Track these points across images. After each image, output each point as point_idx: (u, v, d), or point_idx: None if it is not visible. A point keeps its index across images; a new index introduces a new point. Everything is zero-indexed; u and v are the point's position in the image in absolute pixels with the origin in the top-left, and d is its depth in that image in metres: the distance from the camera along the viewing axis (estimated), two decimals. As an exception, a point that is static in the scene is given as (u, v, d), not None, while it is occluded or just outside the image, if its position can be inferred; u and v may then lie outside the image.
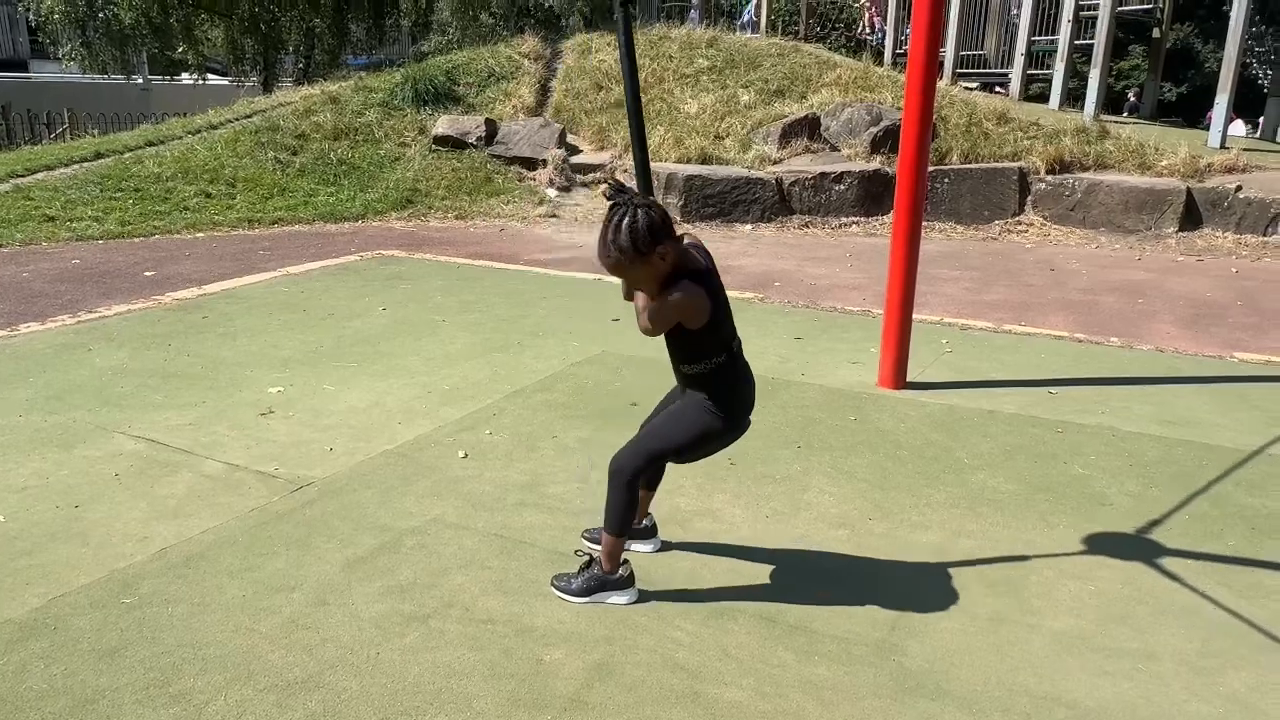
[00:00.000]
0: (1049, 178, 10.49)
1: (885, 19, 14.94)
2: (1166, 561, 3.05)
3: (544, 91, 13.69)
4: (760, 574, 2.93)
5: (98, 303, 6.29)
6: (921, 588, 2.87)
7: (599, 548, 2.77)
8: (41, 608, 2.66)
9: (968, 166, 10.73)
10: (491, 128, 12.19)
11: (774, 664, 2.47)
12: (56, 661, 2.42)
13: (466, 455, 3.82)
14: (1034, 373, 5.13)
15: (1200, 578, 2.95)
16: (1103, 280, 7.88)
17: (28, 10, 17.58)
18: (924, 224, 10.33)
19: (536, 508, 3.38)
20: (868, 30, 15.92)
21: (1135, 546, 3.16)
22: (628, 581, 2.75)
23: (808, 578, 2.92)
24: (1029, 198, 10.58)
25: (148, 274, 7.26)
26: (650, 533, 3.07)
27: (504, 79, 13.85)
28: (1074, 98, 13.02)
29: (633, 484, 2.64)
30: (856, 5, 16.81)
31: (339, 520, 3.24)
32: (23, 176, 9.93)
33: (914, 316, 4.95)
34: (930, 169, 10.76)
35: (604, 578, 2.73)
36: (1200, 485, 3.67)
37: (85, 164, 10.44)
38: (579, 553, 2.86)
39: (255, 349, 5.28)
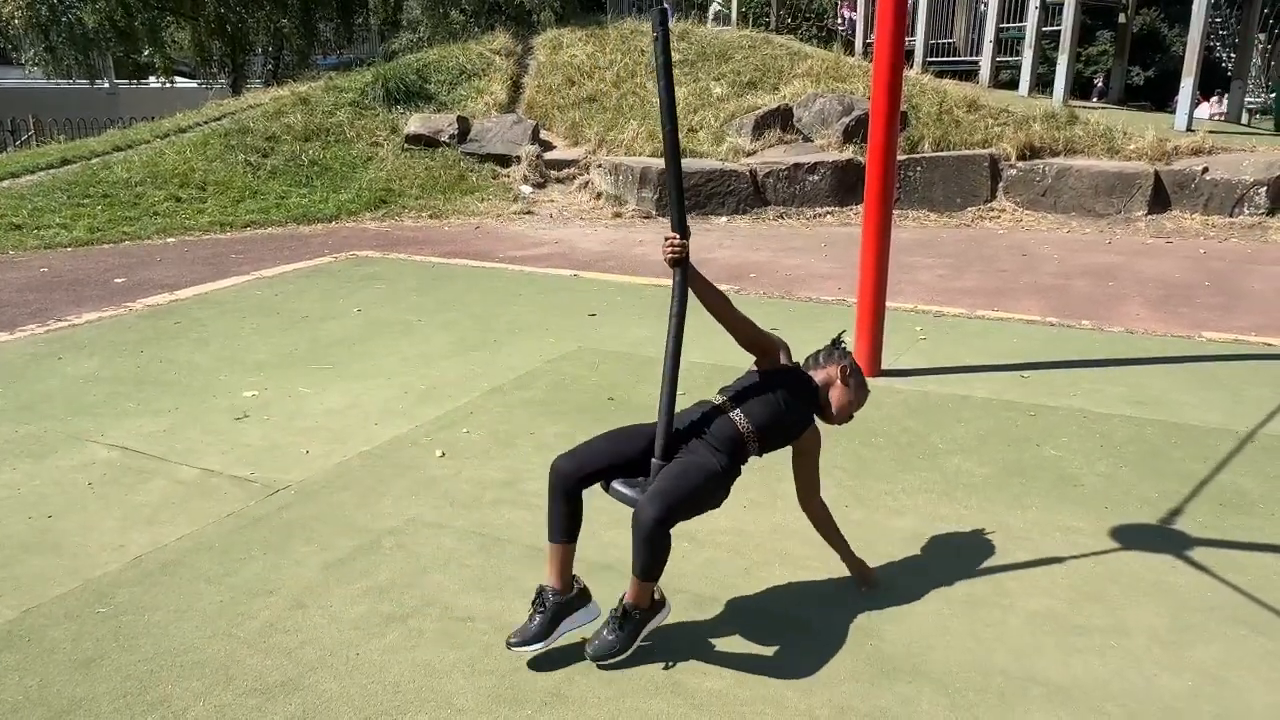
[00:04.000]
0: (1020, 164, 10.57)
1: (855, 9, 14.99)
2: (1137, 540, 3.10)
3: (516, 88, 13.64)
4: (738, 563, 2.95)
5: (67, 311, 6.22)
6: (898, 573, 2.90)
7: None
8: (15, 620, 2.64)
9: (939, 154, 10.80)
10: (464, 125, 12.13)
11: (753, 652, 2.49)
12: (31, 673, 2.40)
13: (444, 454, 3.82)
14: (1007, 357, 5.18)
15: (1171, 555, 3.00)
16: (1074, 264, 7.96)
17: (-12, 15, 17.34)
18: (897, 212, 10.49)
19: (514, 505, 3.39)
20: (839, 21, 15.97)
21: (1107, 526, 3.21)
22: (661, 604, 2.49)
23: (785, 566, 2.95)
24: (1000, 184, 10.67)
25: (118, 281, 7.19)
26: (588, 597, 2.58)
27: (475, 76, 13.80)
28: (1043, 84, 13.13)
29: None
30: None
31: (317, 523, 3.23)
32: (-12, 185, 9.79)
33: (888, 304, 4.99)
34: (902, 158, 10.81)
35: (647, 617, 2.45)
36: (1170, 464, 3.73)
37: (51, 171, 10.31)
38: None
39: (229, 353, 5.24)
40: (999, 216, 10.43)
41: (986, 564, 2.95)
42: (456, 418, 4.24)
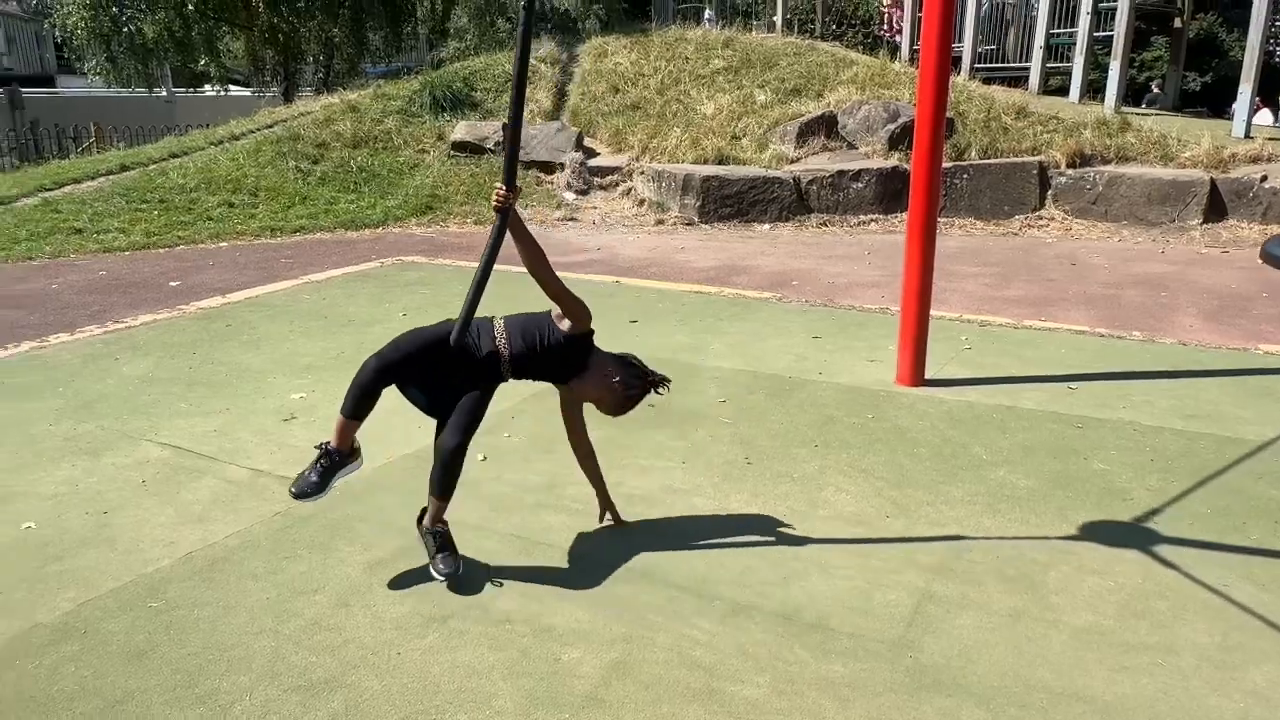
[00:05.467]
0: (1069, 171, 10.40)
1: (903, 15, 14.87)
2: (1187, 556, 3.03)
3: (561, 95, 13.76)
4: (776, 572, 2.95)
5: (124, 313, 6.40)
6: (938, 584, 2.87)
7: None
8: (72, 611, 2.72)
9: (987, 162, 10.67)
10: (509, 132, 12.23)
11: (790, 661, 2.48)
12: (87, 664, 2.47)
13: (485, 458, 3.86)
14: (1054, 368, 5.10)
15: (1222, 572, 2.93)
16: (1125, 274, 7.81)
17: (54, 27, 17.90)
18: (944, 220, 10.37)
19: (555, 509, 3.42)
20: (886, 28, 15.85)
21: (1156, 541, 3.14)
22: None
23: (824, 575, 2.93)
24: (1049, 192, 10.50)
25: (173, 284, 7.38)
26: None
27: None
28: (1094, 90, 12.89)
29: None
30: (874, 3, 16.75)
31: (360, 523, 3.28)
32: (51, 190, 10.11)
33: (932, 313, 4.94)
34: (949, 165, 10.70)
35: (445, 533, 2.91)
36: (1223, 479, 3.64)
37: (111, 177, 10.61)
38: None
39: (278, 356, 5.35)
40: (1048, 225, 10.27)
41: (1030, 577, 2.90)
42: (498, 422, 4.28)
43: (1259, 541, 3.13)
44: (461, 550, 3.08)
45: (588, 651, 2.52)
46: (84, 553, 3.08)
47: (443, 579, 2.83)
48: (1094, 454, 3.89)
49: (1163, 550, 3.08)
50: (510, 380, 2.95)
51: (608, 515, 3.25)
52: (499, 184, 2.76)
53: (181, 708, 2.30)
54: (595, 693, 2.36)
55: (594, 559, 3.05)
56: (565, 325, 2.91)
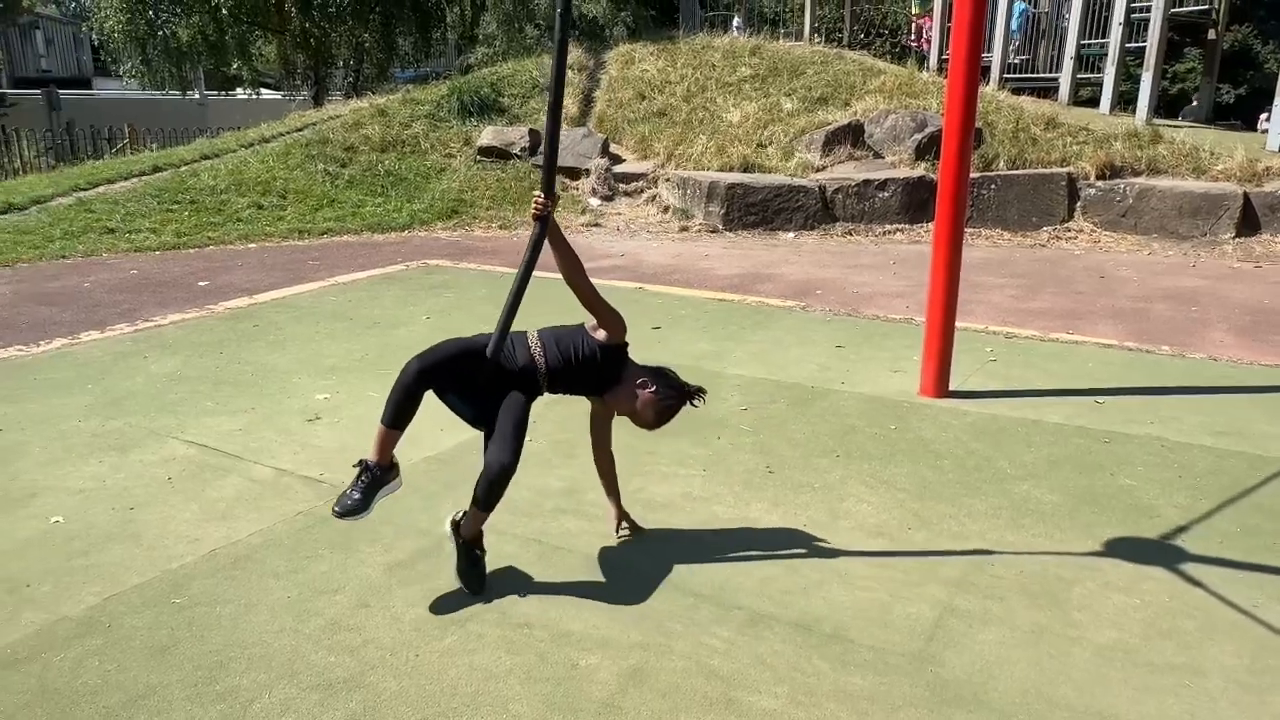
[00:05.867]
0: (1099, 183, 10.30)
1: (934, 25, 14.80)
2: (1215, 575, 2.98)
3: (588, 102, 13.80)
4: (796, 582, 2.93)
5: (154, 311, 6.48)
6: (960, 598, 2.84)
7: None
8: (97, 606, 2.76)
9: (1015, 172, 10.58)
10: (535, 138, 12.31)
11: (809, 673, 2.46)
12: (110, 658, 2.50)
13: (506, 462, 3.86)
14: (1080, 382, 5.04)
15: (1251, 592, 2.88)
16: (1155, 287, 7.71)
17: (91, 30, 18.21)
18: (970, 231, 10.30)
19: (574, 514, 3.42)
20: (914, 37, 15.78)
21: (1183, 559, 3.10)
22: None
23: (845, 586, 2.91)
24: (1078, 204, 10.40)
25: (202, 284, 7.47)
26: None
27: (548, 90, 13.97)
28: (1126, 102, 12.77)
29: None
30: (902, 12, 16.69)
31: (381, 525, 3.30)
32: (85, 190, 10.27)
33: (957, 324, 4.90)
34: (976, 175, 10.62)
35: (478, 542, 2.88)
36: (1254, 498, 3.58)
37: (144, 177, 10.77)
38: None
39: (303, 356, 5.40)
40: (1076, 237, 10.17)
41: (1053, 593, 2.87)
42: (520, 426, 4.29)
43: (1290, 562, 3.08)
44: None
45: (605, 658, 2.51)
46: (110, 548, 3.12)
47: (466, 589, 2.83)
48: (1120, 470, 3.84)
49: (1190, 569, 3.03)
50: (546, 394, 2.91)
51: (624, 525, 3.23)
52: (537, 192, 2.75)
53: (202, 704, 2.32)
54: (612, 700, 2.35)
55: (613, 565, 3.04)
56: (600, 336, 2.89)
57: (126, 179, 10.75)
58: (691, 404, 2.97)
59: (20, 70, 28.87)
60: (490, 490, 2.74)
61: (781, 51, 14.43)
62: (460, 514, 2.90)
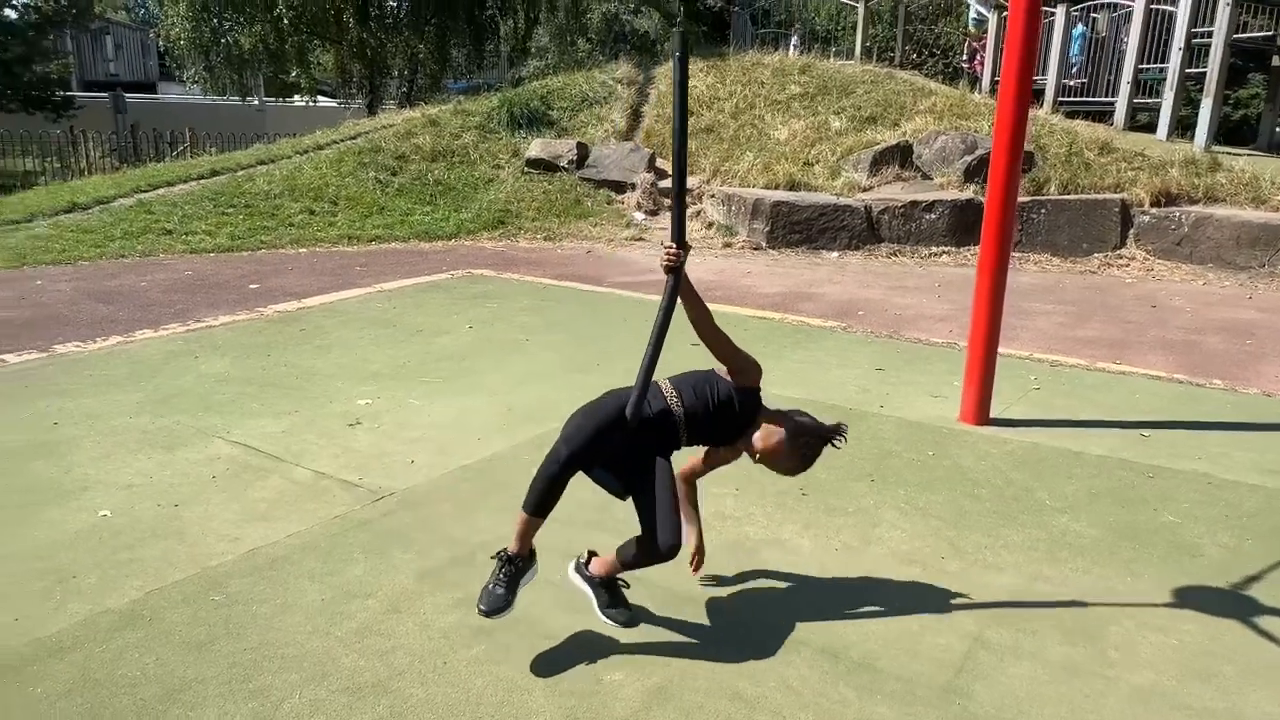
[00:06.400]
0: (1153, 210, 10.11)
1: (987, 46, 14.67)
2: (1258, 619, 2.90)
3: (636, 116, 13.89)
4: (826, 607, 2.91)
5: (206, 312, 6.65)
6: (992, 631, 2.80)
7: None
8: (139, 600, 2.83)
9: (1066, 197, 10.43)
10: (583, 151, 12.42)
11: (834, 699, 2.45)
12: (150, 651, 2.57)
13: (541, 473, 3.90)
14: (1126, 413, 4.94)
15: (1296, 638, 2.80)
16: (1208, 319, 7.54)
17: (158, 37, 18.78)
18: (1019, 255, 10.17)
19: (604, 529, 3.43)
20: (966, 59, 15.64)
21: (1225, 601, 3.02)
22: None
23: (874, 614, 2.89)
24: (1131, 230, 10.21)
25: (252, 286, 7.64)
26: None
27: (597, 104, 14.12)
28: (1184, 128, 12.53)
29: None
30: (955, 32, 16.56)
31: (416, 531, 3.35)
32: (145, 192, 10.58)
33: (1002, 351, 4.85)
34: (1026, 199, 10.50)
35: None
36: (1302, 540, 3.48)
37: (202, 181, 11.06)
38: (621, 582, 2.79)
39: (347, 362, 5.50)
40: (1128, 265, 9.97)
41: (1089, 630, 2.81)
42: (554, 439, 4.31)
43: (1338, 609, 2.99)
44: (512, 564, 3.12)
45: (630, 675, 2.52)
46: (154, 543, 3.20)
47: (614, 622, 2.69)
48: (1164, 505, 3.75)
49: (1231, 610, 2.95)
50: (684, 446, 2.73)
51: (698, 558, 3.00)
52: (668, 243, 2.60)
53: (235, 701, 2.37)
54: (634, 717, 2.36)
55: (642, 582, 3.04)
56: (733, 379, 2.73)
57: (185, 182, 11.05)
58: (833, 445, 2.70)
59: (90, 74, 29.84)
60: (647, 564, 2.61)
61: (832, 70, 14.40)
62: (585, 558, 2.80)
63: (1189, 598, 3.03)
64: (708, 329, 2.66)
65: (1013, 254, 10.69)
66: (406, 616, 2.79)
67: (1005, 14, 14.21)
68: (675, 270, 2.61)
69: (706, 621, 2.82)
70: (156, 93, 30.03)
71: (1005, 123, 4.45)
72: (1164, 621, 2.88)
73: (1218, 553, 3.37)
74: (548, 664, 2.57)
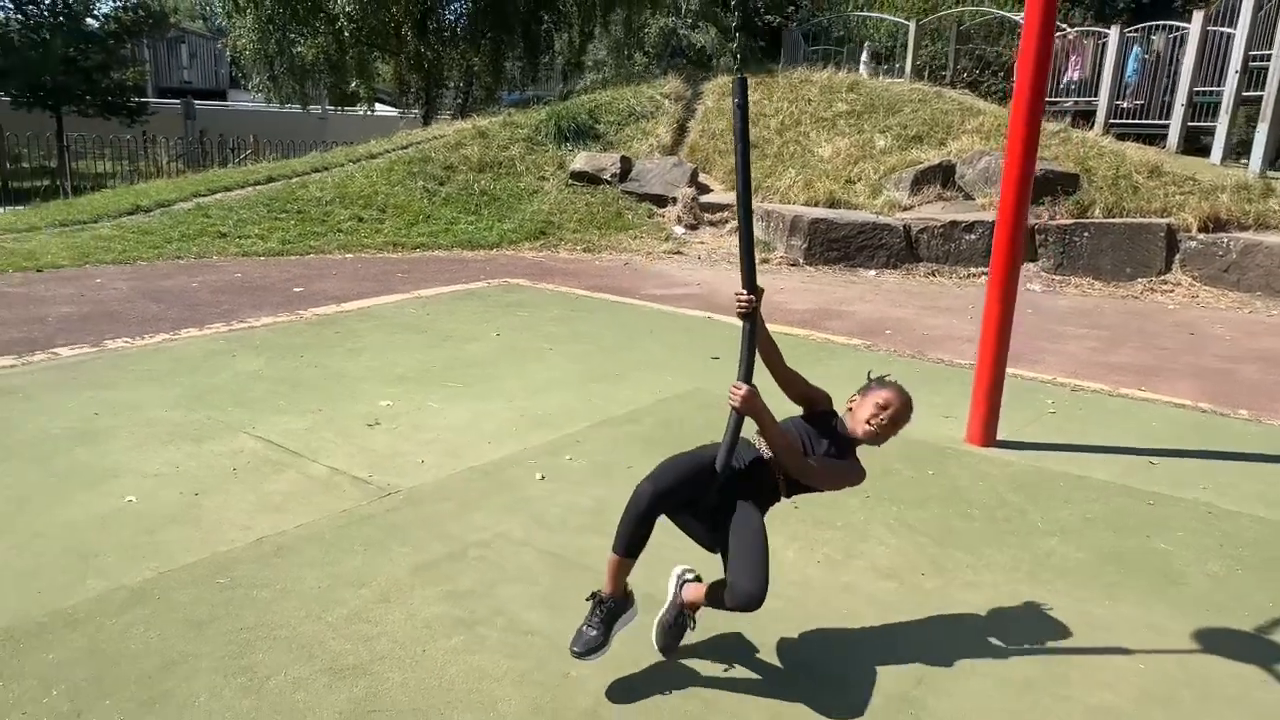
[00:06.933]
0: (1200, 236, 9.93)
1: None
2: (1232, 647, 2.91)
3: (681, 131, 14.05)
4: (798, 617, 3.00)
5: (249, 313, 6.96)
6: (958, 646, 2.86)
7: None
8: (151, 579, 3.04)
9: (1110, 221, 10.30)
10: (626, 165, 12.62)
11: (790, 701, 2.54)
12: (154, 626, 2.77)
13: (543, 478, 4.05)
14: (1140, 440, 4.91)
15: (1265, 668, 2.80)
16: (1247, 348, 7.40)
17: (227, 47, 19.56)
18: (1059, 279, 10.08)
19: (597, 533, 3.55)
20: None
21: (1202, 629, 3.03)
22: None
23: (843, 624, 2.97)
24: (1177, 256, 10.04)
25: (296, 290, 7.95)
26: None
27: (644, 118, 14.31)
28: (1239, 152, 12.24)
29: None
30: (1011, 51, 16.37)
31: (416, 527, 3.52)
32: (204, 196, 11.04)
33: (1024, 374, 4.87)
34: (1070, 222, 10.40)
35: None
36: (1295, 573, 3.46)
37: (258, 186, 11.50)
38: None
39: (375, 364, 5.72)
40: (1172, 290, 9.80)
41: (1054, 650, 2.86)
42: (563, 445, 4.48)
43: (1317, 642, 2.98)
44: (499, 562, 3.27)
45: (596, 670, 2.64)
46: (171, 528, 3.42)
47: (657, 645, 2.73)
48: (1158, 533, 3.75)
49: (1207, 640, 2.96)
50: (785, 496, 2.70)
51: None
52: (740, 291, 2.57)
53: (225, 675, 2.55)
54: (595, 709, 2.48)
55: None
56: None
57: (243, 187, 11.50)
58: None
59: (165, 81, 31.07)
60: (726, 608, 2.51)
61: (880, 88, 14.38)
62: (690, 575, 2.81)
63: (1165, 624, 3.05)
64: (780, 371, 2.66)
65: (1053, 277, 10.60)
66: (395, 606, 2.95)
67: (1056, 34, 14.04)
68: (749, 316, 2.58)
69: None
70: (226, 100, 31.13)
71: (1016, 143, 4.50)
72: (1134, 645, 2.91)
73: (1204, 581, 3.37)
74: (520, 657, 2.71)
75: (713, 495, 2.54)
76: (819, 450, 2.65)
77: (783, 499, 2.69)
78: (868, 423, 2.65)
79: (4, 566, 3.10)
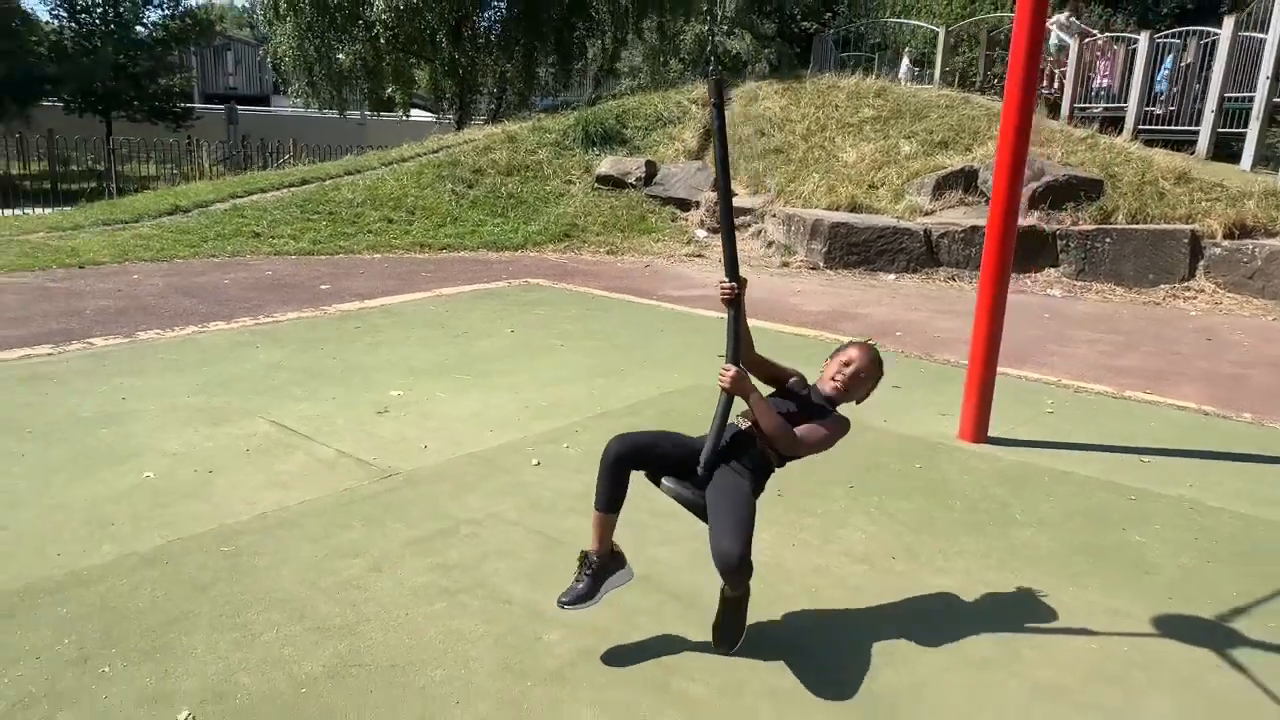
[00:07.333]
0: (1225, 242, 9.85)
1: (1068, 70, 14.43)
2: (1190, 633, 2.99)
3: (707, 136, 14.18)
4: (763, 594, 3.11)
5: (276, 309, 7.23)
6: (918, 625, 2.97)
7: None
8: (162, 546, 3.26)
9: (1133, 227, 10.25)
10: (651, 169, 12.79)
11: (745, 670, 2.67)
12: (161, 588, 2.98)
13: (539, 464, 4.22)
14: (1135, 440, 4.96)
15: (1218, 653, 2.88)
16: (1264, 354, 7.36)
17: (268, 54, 20.11)
18: (1080, 284, 10.07)
19: (585, 515, 3.65)
20: (1045, 84, 15.39)
21: (1164, 616, 3.10)
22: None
23: (807, 602, 3.09)
24: (1201, 263, 9.97)
25: (324, 287, 8.23)
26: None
27: (670, 123, 14.49)
28: (1271, 159, 12.08)
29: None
30: (1045, 59, 16.29)
31: (412, 506, 3.70)
32: (241, 197, 11.41)
33: (1027, 375, 4.92)
34: (1091, 227, 10.37)
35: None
36: (1267, 567, 3.51)
37: (292, 189, 11.85)
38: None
39: (391, 358, 5.94)
40: (1195, 297, 9.74)
41: (1011, 630, 2.95)
42: (562, 434, 4.64)
43: (1274, 634, 3.03)
44: (488, 539, 3.44)
45: (566, 636, 2.80)
46: (184, 502, 3.64)
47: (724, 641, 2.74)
48: (1135, 526, 3.82)
49: (1166, 626, 3.04)
50: (778, 466, 2.80)
51: None
52: (724, 279, 2.72)
53: (221, 631, 2.75)
54: (561, 670, 2.64)
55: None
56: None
57: (278, 189, 11.86)
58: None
59: (211, 87, 31.96)
60: (732, 584, 2.61)
61: (907, 94, 14.41)
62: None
63: (1128, 610, 3.13)
64: (749, 355, 2.81)
65: (1075, 283, 10.57)
66: (385, 575, 3.13)
67: (1086, 40, 13.97)
68: (733, 303, 2.72)
69: (652, 598, 3.07)
70: (269, 105, 31.89)
71: (1006, 144, 4.57)
72: (1093, 629, 2.99)
73: (1175, 572, 3.44)
74: (496, 622, 2.87)
75: (703, 476, 2.64)
76: (799, 419, 2.76)
77: (776, 469, 2.80)
78: (834, 379, 2.83)
79: (28, 533, 3.34)
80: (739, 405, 2.73)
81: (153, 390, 5.04)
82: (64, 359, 5.60)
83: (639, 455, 2.67)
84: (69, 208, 13.34)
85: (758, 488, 2.75)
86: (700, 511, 2.66)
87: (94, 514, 3.50)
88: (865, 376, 2.85)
